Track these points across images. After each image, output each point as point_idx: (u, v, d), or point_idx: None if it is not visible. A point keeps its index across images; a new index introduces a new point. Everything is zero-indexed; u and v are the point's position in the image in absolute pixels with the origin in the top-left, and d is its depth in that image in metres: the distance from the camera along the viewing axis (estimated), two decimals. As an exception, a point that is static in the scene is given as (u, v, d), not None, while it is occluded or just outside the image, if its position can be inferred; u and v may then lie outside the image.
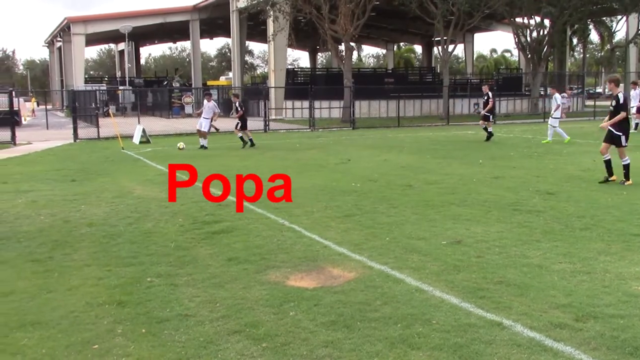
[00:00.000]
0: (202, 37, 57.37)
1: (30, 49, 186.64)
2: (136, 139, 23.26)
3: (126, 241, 7.77)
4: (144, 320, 5.11)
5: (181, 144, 20.65)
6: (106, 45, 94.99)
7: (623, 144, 11.55)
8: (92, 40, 58.75)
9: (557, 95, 21.85)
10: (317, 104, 34.18)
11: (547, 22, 43.96)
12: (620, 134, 11.53)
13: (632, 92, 21.92)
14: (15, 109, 28.13)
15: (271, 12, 36.61)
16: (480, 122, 23.27)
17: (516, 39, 44.15)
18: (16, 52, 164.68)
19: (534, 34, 43.35)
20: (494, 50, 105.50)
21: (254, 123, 33.58)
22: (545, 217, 8.79)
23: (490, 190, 11.19)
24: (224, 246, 7.46)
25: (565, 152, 17.79)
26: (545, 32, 43.47)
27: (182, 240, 7.82)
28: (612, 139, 11.61)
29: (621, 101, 11.52)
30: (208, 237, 7.95)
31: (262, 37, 53.43)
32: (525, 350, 4.40)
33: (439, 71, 50.29)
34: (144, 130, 23.64)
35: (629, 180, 11.52)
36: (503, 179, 12.53)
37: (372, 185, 12.08)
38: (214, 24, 56.84)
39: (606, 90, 72.66)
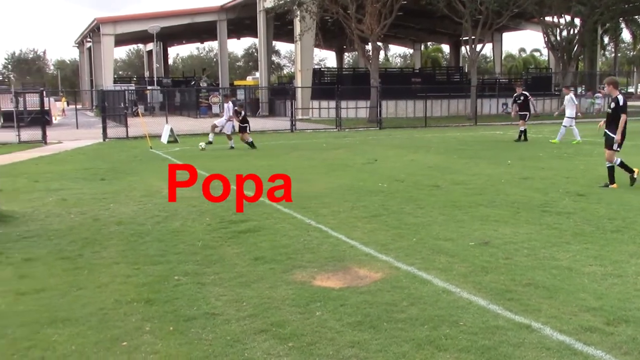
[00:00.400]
0: (229, 37, 57.71)
1: (60, 49, 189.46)
2: (164, 139, 23.49)
3: (154, 240, 7.84)
4: (172, 318, 5.15)
5: (202, 144, 20.71)
6: (135, 46, 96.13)
7: (614, 147, 11.25)
8: (121, 40, 59.51)
9: (571, 94, 21.60)
10: (343, 103, 34.17)
11: (577, 21, 43.34)
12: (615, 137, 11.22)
13: (567, 97, 21.34)
14: (46, 108, 28.62)
15: (298, 12, 36.66)
16: (521, 122, 22.22)
17: (546, 38, 43.63)
18: (47, 53, 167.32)
19: (564, 33, 42.80)
20: (522, 50, 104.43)
21: (280, 122, 33.77)
22: (575, 219, 8.66)
23: (518, 191, 11.06)
24: (251, 245, 7.49)
25: (596, 152, 17.50)
26: (576, 31, 42.88)
27: (209, 239, 7.87)
28: (608, 142, 11.37)
29: (621, 103, 11.14)
30: (235, 236, 7.98)
31: (288, 37, 53.56)
32: (554, 354, 4.34)
33: (466, 71, 49.86)
34: (171, 130, 23.86)
35: (613, 183, 11.27)
36: (532, 180, 12.38)
37: (399, 185, 12.03)
38: (241, 24, 57.11)
39: (638, 90, 71.48)
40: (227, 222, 8.82)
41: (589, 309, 5.18)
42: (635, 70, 79.48)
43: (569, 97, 21.38)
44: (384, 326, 4.89)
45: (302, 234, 8.05)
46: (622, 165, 11.47)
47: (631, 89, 77.88)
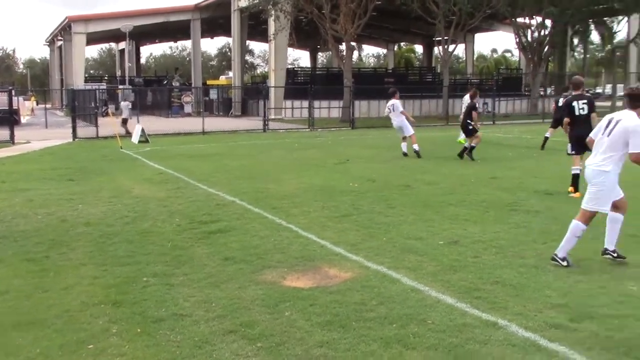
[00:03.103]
0: (203, 36, 57.30)
1: (30, 47, 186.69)
2: (135, 139, 23.25)
3: (123, 241, 7.76)
4: (139, 320, 5.11)
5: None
6: (107, 44, 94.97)
7: (568, 151, 11.11)
8: (93, 39, 58.70)
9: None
10: (316, 103, 34.17)
11: (548, 22, 43.93)
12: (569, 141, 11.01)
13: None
14: (14, 107, 28.12)
15: (272, 12, 36.58)
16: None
17: (517, 39, 44.14)
18: (16, 51, 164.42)
19: (535, 34, 43.33)
20: (494, 51, 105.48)
21: (253, 122, 33.65)
22: (542, 218, 8.79)
23: (488, 191, 11.18)
24: (221, 246, 7.46)
25: (563, 152, 17.73)
26: (546, 33, 43.46)
27: (178, 240, 7.82)
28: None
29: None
30: (205, 236, 7.94)
31: (262, 36, 53.40)
32: (519, 350, 4.40)
33: (439, 71, 50.26)
34: (143, 130, 23.63)
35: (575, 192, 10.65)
36: (501, 180, 12.52)
37: (371, 185, 12.07)
38: (215, 24, 56.76)
39: (605, 91, 72.74)
40: (197, 222, 8.77)
41: (554, 306, 5.26)
42: (603, 71, 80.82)
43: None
44: (353, 325, 4.91)
45: (273, 234, 8.04)
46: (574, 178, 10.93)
47: (599, 90, 79.12)
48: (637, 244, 7.22)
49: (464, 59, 70.84)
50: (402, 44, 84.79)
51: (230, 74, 60.79)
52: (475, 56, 76.02)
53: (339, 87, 37.11)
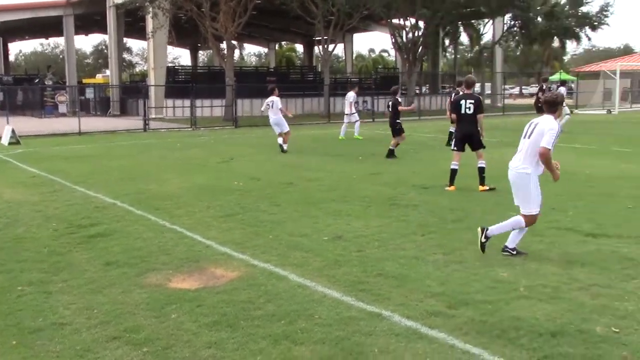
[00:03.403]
0: (77, 33, 54.66)
1: None
2: (5, 140, 21.91)
3: (-7, 248, 7.31)
4: (15, 331, 4.84)
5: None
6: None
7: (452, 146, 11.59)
8: (-48, 34, 54.56)
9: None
10: (198, 102, 33.68)
11: (421, 23, 45.76)
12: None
13: (349, 94, 22.99)
14: None
15: (150, 9, 35.59)
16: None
17: (393, 40, 45.62)
18: None
19: (410, 35, 45.00)
20: (372, 50, 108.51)
21: (133, 122, 32.61)
22: (420, 211, 9.18)
23: (369, 186, 11.52)
24: (102, 250, 7.21)
25: (438, 147, 18.62)
26: (420, 34, 45.24)
27: (56, 245, 7.46)
28: None
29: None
30: (84, 241, 7.64)
31: (140, 34, 51.72)
32: (403, 339, 4.59)
33: (319, 70, 50.96)
34: (13, 131, 22.30)
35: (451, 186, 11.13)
36: (381, 175, 12.94)
37: (255, 183, 12.09)
38: (90, 20, 54.38)
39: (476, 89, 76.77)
40: (76, 226, 8.41)
41: (434, 294, 5.52)
42: (472, 70, 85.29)
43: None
44: (241, 324, 4.92)
45: (156, 235, 7.87)
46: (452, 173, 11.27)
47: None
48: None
49: (344, 58, 72.39)
50: (283, 43, 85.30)
51: (108, 72, 58.55)
52: (355, 56, 77.75)
53: (221, 85, 36.75)
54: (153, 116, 35.27)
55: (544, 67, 58.34)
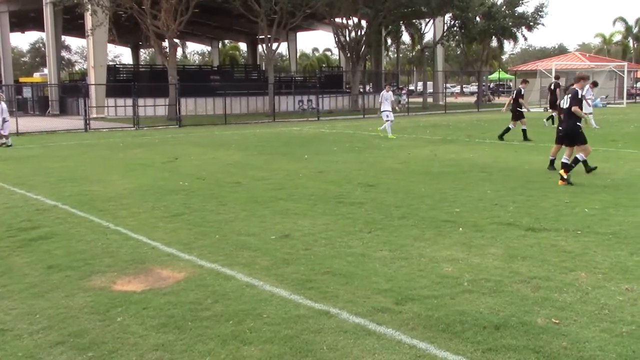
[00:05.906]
0: (12, 30, 52.82)
1: None
2: None
3: None
4: (-48, 339, 4.67)
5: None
6: None
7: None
8: None
9: (383, 92, 22.85)
10: (141, 101, 33.15)
11: (364, 22, 46.16)
12: None
13: (383, 92, 23.16)
14: None
15: (89, 6, 34.75)
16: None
17: (336, 39, 45.89)
18: None
19: (353, 34, 45.34)
20: (316, 49, 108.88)
21: (73, 122, 31.82)
22: (366, 208, 9.27)
23: (315, 184, 11.57)
24: (43, 253, 7.02)
25: (383, 146, 18.84)
26: (363, 33, 45.65)
27: (-6, 250, 7.23)
28: None
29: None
30: (25, 244, 7.42)
31: (79, 31, 50.44)
32: (351, 336, 4.63)
33: (264, 69, 50.81)
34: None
35: None
36: (328, 173, 13.01)
37: (201, 183, 11.98)
38: (26, 17, 52.67)
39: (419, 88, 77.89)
40: (16, 229, 8.17)
41: (381, 291, 5.60)
42: (414, 69, 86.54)
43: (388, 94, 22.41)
44: (189, 326, 4.87)
45: (100, 237, 7.72)
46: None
47: (412, 87, 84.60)
48: (450, 228, 7.88)
49: (288, 57, 72.37)
50: (226, 41, 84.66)
51: (46, 70, 56.84)
52: (298, 54, 77.87)
53: (164, 84, 36.23)
54: (94, 116, 34.54)
55: (483, 66, 59.52)
